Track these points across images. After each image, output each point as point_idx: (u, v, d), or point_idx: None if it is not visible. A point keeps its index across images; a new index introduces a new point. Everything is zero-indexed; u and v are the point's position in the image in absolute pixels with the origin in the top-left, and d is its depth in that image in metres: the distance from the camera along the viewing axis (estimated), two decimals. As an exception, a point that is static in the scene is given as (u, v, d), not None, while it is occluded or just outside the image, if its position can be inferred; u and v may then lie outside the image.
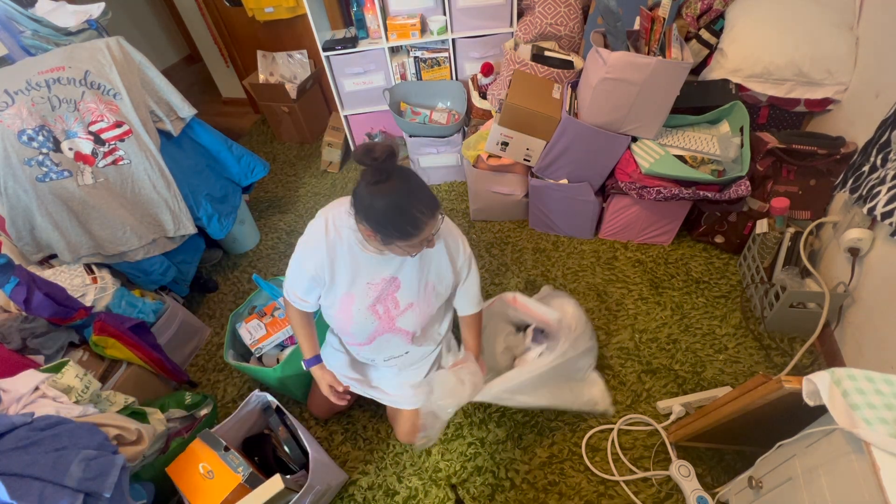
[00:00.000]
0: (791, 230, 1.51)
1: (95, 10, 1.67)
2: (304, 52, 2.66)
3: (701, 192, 1.59)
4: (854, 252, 1.34)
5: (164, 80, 1.65)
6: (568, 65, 1.82)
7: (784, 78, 1.60)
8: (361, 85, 2.27)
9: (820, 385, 0.73)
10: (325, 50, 2.13)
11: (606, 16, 1.51)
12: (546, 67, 1.79)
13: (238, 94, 3.23)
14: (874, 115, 1.34)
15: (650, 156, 1.62)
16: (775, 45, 1.57)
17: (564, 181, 1.80)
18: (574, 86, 1.77)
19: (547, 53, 1.87)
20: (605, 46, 1.58)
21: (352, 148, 2.56)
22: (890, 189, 1.15)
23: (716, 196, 1.58)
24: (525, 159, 1.83)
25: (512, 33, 2.04)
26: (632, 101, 1.53)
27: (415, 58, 2.20)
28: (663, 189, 1.61)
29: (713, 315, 1.62)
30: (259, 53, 2.66)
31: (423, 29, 2.09)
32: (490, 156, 1.90)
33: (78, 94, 1.46)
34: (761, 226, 1.57)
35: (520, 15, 2.02)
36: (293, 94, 2.58)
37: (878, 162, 1.22)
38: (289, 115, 2.68)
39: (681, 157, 1.62)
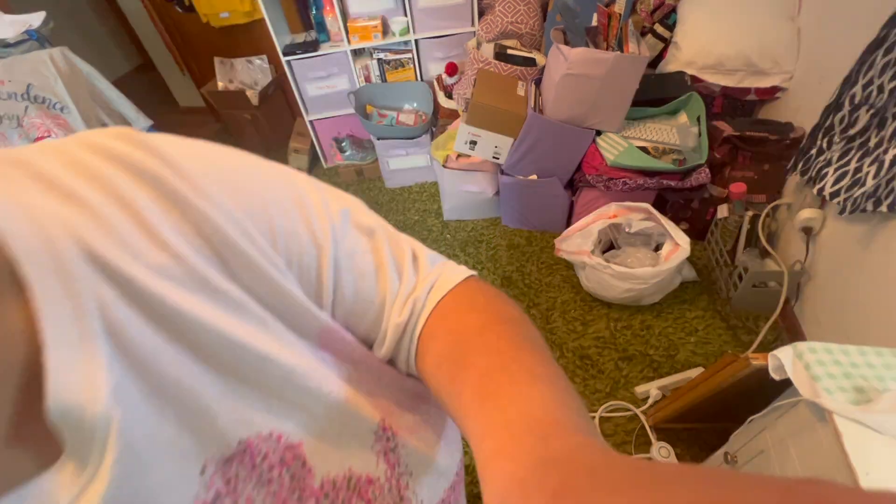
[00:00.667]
0: (749, 213, 1.57)
1: (35, 19, 1.58)
2: (265, 57, 2.59)
3: (664, 181, 1.65)
4: (807, 231, 1.41)
5: (115, 92, 1.58)
6: (531, 62, 1.84)
7: (735, 68, 1.67)
8: (325, 89, 2.23)
9: (784, 360, 0.77)
10: (285, 55, 2.09)
11: (565, 13, 1.55)
12: (509, 65, 1.81)
13: (197, 103, 3.12)
14: (819, 100, 1.41)
15: (614, 148, 1.66)
16: (724, 38, 1.64)
17: (534, 177, 1.83)
18: (538, 82, 1.80)
19: (510, 51, 1.89)
20: (566, 43, 1.61)
21: (319, 153, 2.52)
22: (836, 170, 1.22)
23: (678, 184, 1.63)
24: (494, 157, 1.84)
25: (474, 32, 2.05)
26: (594, 95, 1.57)
27: (378, 60, 2.18)
28: (629, 180, 1.66)
29: (682, 299, 1.68)
30: (216, 60, 2.58)
31: (385, 31, 2.08)
32: (459, 155, 1.90)
33: (21, 110, 1.38)
34: (722, 211, 1.64)
35: (480, 14, 2.03)
36: (255, 101, 2.51)
37: (825, 145, 1.29)
38: (252, 123, 2.61)
39: (643, 149, 1.66)
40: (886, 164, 1.07)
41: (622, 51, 1.54)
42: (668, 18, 1.82)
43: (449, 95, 2.13)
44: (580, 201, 1.87)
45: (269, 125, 2.63)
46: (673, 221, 1.85)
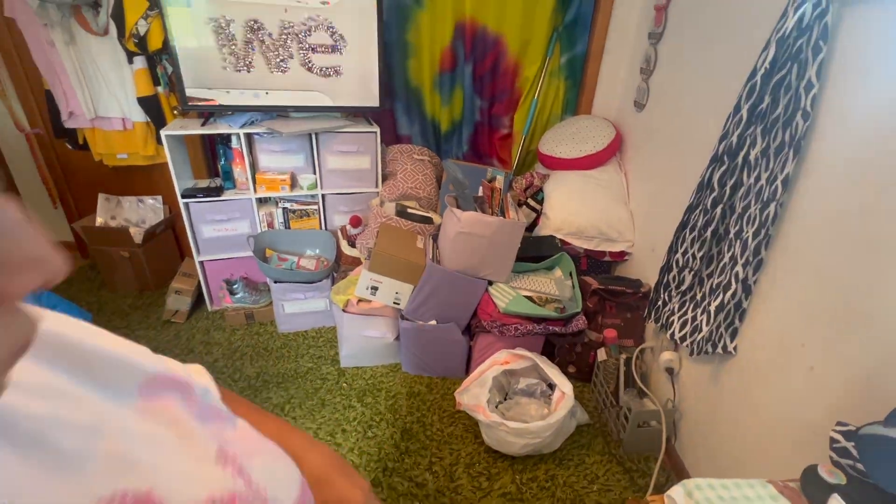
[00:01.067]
0: (623, 356, 1.76)
1: None
2: (160, 197, 2.53)
3: (550, 327, 1.81)
4: (670, 371, 1.61)
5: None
6: (428, 220, 2.07)
7: (591, 236, 2.06)
8: (223, 231, 2.19)
9: (678, 500, 0.79)
10: (184, 196, 2.06)
11: (456, 184, 1.83)
12: (409, 222, 2.00)
13: (64, 237, 2.80)
14: (655, 263, 1.78)
15: (505, 297, 1.82)
16: (581, 213, 2.05)
17: (433, 322, 1.88)
18: (435, 238, 1.99)
19: (409, 210, 2.11)
20: (458, 207, 1.86)
21: (205, 295, 2.33)
22: (679, 318, 1.48)
23: (562, 330, 1.80)
24: (395, 302, 1.88)
25: (377, 192, 2.28)
26: (484, 250, 1.77)
27: (283, 208, 2.26)
28: (520, 326, 1.79)
29: (580, 444, 1.70)
30: (101, 196, 2.44)
31: (293, 184, 2.21)
32: (360, 300, 1.91)
33: None
34: (601, 354, 1.81)
35: (384, 179, 2.30)
36: (138, 239, 2.35)
37: (667, 298, 1.58)
38: (129, 261, 2.38)
39: (529, 298, 1.85)
40: (712, 314, 1.33)
41: (505, 217, 1.83)
42: (538, 195, 2.25)
43: (352, 244, 2.23)
44: (477, 346, 1.94)
45: (149, 264, 2.42)
46: (562, 364, 1.98)
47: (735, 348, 1.32)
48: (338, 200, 2.29)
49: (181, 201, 2.06)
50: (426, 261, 1.81)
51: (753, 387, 1.27)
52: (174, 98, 2.18)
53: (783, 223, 1.17)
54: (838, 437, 0.90)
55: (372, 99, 2.12)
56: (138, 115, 2.19)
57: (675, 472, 1.60)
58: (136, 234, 2.36)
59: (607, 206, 2.05)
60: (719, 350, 1.34)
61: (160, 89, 2.15)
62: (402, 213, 2.08)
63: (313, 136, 2.10)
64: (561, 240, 2.07)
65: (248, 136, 2.09)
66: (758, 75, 1.15)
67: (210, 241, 2.20)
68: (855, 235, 0.99)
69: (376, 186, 2.28)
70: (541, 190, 2.23)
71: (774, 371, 1.20)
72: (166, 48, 1.91)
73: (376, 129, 2.15)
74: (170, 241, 2.59)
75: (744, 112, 1.20)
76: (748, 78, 1.18)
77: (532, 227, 2.21)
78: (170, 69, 2.10)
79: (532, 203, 2.23)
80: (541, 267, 2.05)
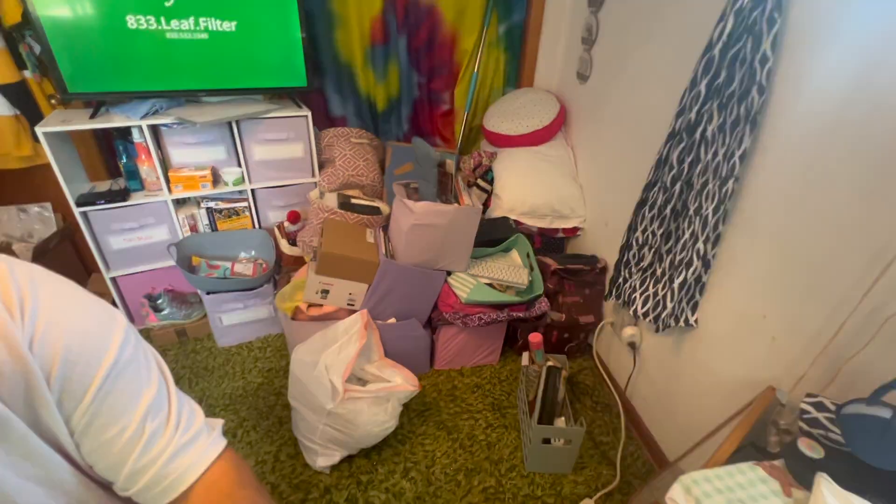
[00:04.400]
0: (548, 364, 1.56)
1: None
2: (48, 204, 2.12)
3: (513, 313, 1.77)
4: (632, 345, 1.65)
5: None
6: (376, 211, 1.91)
7: (545, 214, 2.02)
8: (136, 241, 1.89)
9: (679, 500, 0.78)
10: (80, 205, 1.73)
11: (424, 161, 1.68)
12: (355, 214, 1.83)
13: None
14: (608, 237, 1.78)
15: (465, 286, 1.75)
16: (532, 191, 2.00)
17: (392, 320, 1.77)
18: (385, 229, 1.85)
19: (353, 201, 1.94)
20: (407, 197, 1.73)
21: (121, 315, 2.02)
22: (642, 294, 1.49)
23: (525, 314, 1.78)
24: (349, 304, 1.74)
25: (315, 183, 2.07)
26: (440, 241, 1.67)
27: (207, 208, 1.99)
28: (483, 315, 1.73)
29: (551, 425, 1.71)
30: (-33, 209, 2.00)
31: (216, 180, 1.94)
32: (310, 305, 1.75)
33: None
34: (524, 359, 1.72)
35: (321, 167, 2.09)
36: (26, 257, 1.96)
37: (627, 275, 1.59)
38: (18, 284, 2.00)
39: (490, 285, 1.80)
40: (676, 290, 1.35)
41: (459, 203, 1.73)
42: (487, 175, 2.16)
43: (292, 242, 2.02)
44: (441, 339, 1.87)
45: (46, 285, 2.05)
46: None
47: (696, 321, 1.35)
48: (271, 195, 2.05)
49: (76, 211, 1.73)
50: (379, 257, 1.68)
51: (714, 356, 1.32)
52: (48, 84, 1.79)
53: (740, 199, 1.19)
54: (809, 408, 0.93)
55: (298, 77, 1.88)
56: (3, 108, 1.77)
57: (644, 441, 1.66)
58: (23, 251, 1.97)
59: (558, 183, 2.02)
60: (681, 323, 1.37)
61: (27, 74, 1.75)
62: (345, 204, 1.90)
63: (234, 125, 1.83)
64: (515, 220, 2.02)
65: (154, 128, 1.78)
66: (715, 48, 1.12)
67: (121, 254, 1.89)
68: (811, 209, 1.02)
69: (313, 176, 2.07)
70: (490, 169, 2.15)
71: (736, 341, 1.24)
72: (28, 22, 1.54)
73: (307, 111, 1.92)
74: (69, 255, 2.20)
75: (701, 87, 1.17)
76: (704, 51, 1.15)
77: (483, 209, 2.13)
78: (37, 48, 1.71)
79: (482, 183, 2.14)
80: (498, 250, 1.99)
